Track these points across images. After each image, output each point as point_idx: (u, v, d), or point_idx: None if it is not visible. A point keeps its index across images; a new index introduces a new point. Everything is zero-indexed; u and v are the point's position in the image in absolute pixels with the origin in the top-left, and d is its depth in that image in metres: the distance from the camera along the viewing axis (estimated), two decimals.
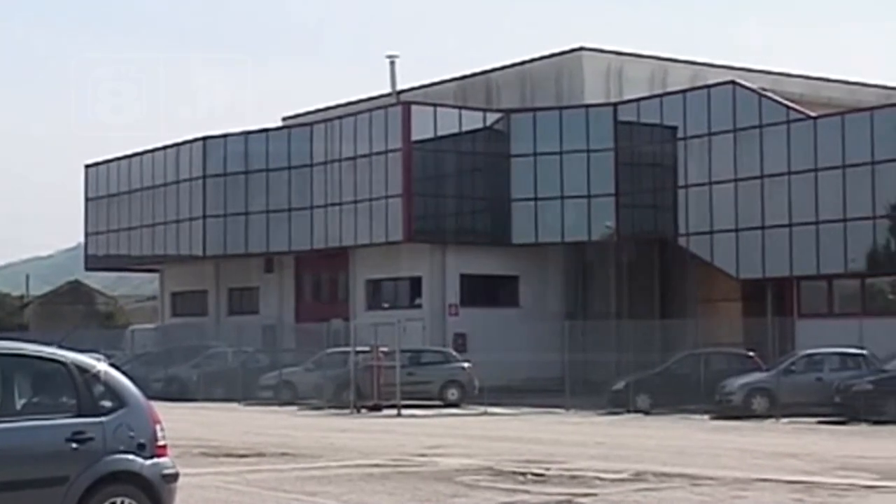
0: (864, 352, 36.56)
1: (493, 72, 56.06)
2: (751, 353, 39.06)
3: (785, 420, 33.90)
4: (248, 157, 55.03)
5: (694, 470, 20.44)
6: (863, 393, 33.80)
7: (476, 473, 20.07)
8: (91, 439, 11.41)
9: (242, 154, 55.19)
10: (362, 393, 38.97)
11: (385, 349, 39.20)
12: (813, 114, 45.41)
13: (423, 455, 23.35)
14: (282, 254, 55.31)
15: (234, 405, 42.16)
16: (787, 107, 45.84)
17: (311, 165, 53.22)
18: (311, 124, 55.25)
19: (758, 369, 37.66)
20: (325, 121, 54.81)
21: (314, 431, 30.54)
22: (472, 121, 51.19)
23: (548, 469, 20.56)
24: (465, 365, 42.26)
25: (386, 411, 37.87)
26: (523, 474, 19.88)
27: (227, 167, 55.57)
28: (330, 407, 39.86)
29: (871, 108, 45.09)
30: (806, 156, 44.33)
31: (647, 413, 37.08)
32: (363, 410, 38.24)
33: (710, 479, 19.32)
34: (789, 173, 44.73)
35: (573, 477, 19.61)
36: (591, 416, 36.74)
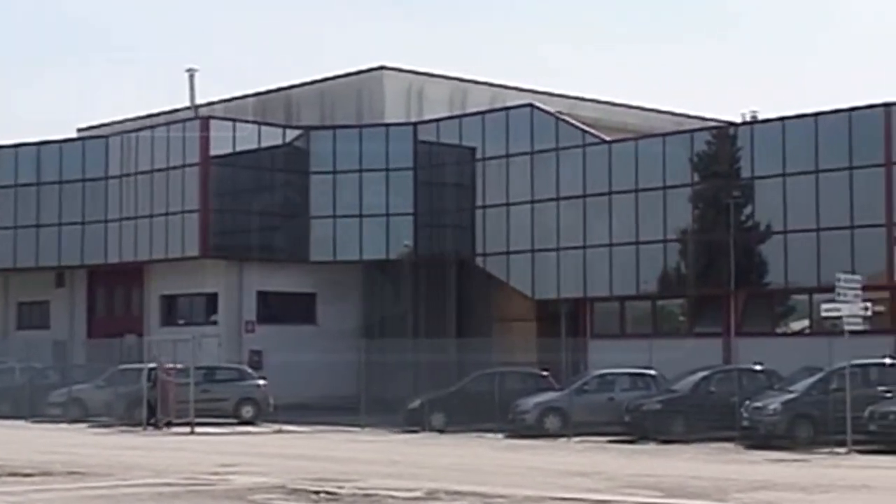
0: (653, 372, 37.39)
1: (294, 88, 55.80)
2: (545, 373, 39.62)
3: (577, 439, 34.39)
4: (41, 168, 53.71)
5: (486, 488, 20.58)
6: (652, 412, 34.58)
7: (269, 492, 19.89)
8: None
9: (34, 165, 53.82)
10: (155, 410, 38.35)
11: (178, 365, 38.66)
12: (608, 138, 46.32)
13: (215, 473, 23.05)
14: (74, 268, 54.07)
15: (21, 423, 41.04)
16: (583, 130, 46.68)
17: (107, 178, 52.20)
18: (107, 136, 54.20)
19: (551, 389, 38.22)
20: (121, 133, 53.85)
21: (104, 450, 29.90)
22: (272, 137, 50.87)
23: (341, 487, 20.47)
24: (261, 382, 41.92)
25: (179, 429, 37.30)
26: (317, 493, 19.76)
27: (18, 178, 54.11)
28: (121, 425, 39.13)
29: (664, 134, 46.20)
30: (601, 179, 45.18)
31: (442, 432, 37.24)
32: (157, 428, 37.60)
33: (502, 497, 19.47)
34: (584, 196, 45.53)
35: (367, 495, 19.56)
36: (386, 434, 36.76)
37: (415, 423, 38.17)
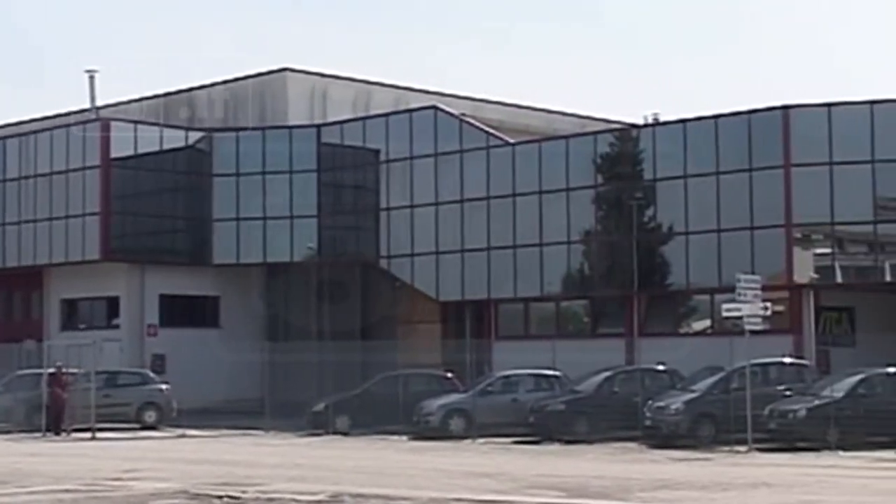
0: (557, 373, 37.57)
1: (196, 90, 55.33)
2: (449, 375, 39.66)
3: (481, 440, 34.47)
4: None
5: (390, 491, 20.55)
6: (556, 413, 34.77)
7: (171, 497, 19.70)
8: None
9: None
10: (55, 416, 37.82)
11: (76, 370, 38.19)
12: (511, 140, 46.48)
13: (117, 479, 22.79)
14: None
15: None
16: (487, 132, 46.79)
17: (5, 181, 51.42)
18: (4, 138, 53.35)
19: (455, 390, 38.28)
20: (19, 135, 53.02)
21: (3, 457, 29.42)
22: (174, 139, 50.39)
23: (244, 492, 20.33)
24: (164, 387, 41.50)
25: (80, 435, 36.82)
26: (219, 497, 19.61)
27: None
28: (20, 431, 38.50)
29: (567, 136, 46.42)
30: (504, 181, 45.31)
31: (346, 434, 37.15)
32: (56, 434, 37.10)
33: (406, 499, 19.45)
34: (488, 198, 45.64)
35: (270, 499, 19.45)
36: (290, 437, 36.58)
37: (319, 425, 38.03)
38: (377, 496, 19.75)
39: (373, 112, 51.06)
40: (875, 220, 38.74)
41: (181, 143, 50.51)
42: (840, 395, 31.42)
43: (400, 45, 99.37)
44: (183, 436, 37.49)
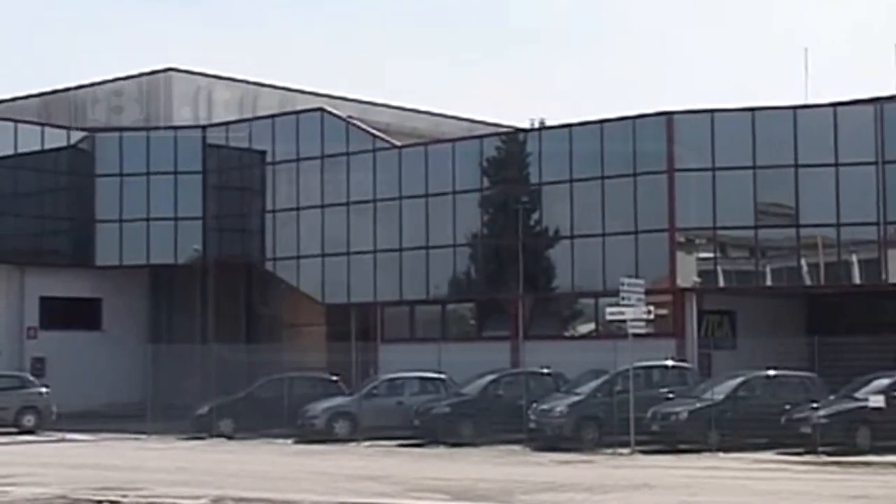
0: (443, 376, 37.62)
1: (79, 89, 54.57)
2: (334, 378, 39.53)
3: (367, 443, 34.41)
4: None
5: (274, 494, 20.43)
6: (441, 416, 34.80)
7: (49, 502, 19.37)
8: None
9: None
10: None
11: None
12: (398, 143, 46.45)
13: None
14: None
15: None
16: (374, 135, 46.72)
17: None
18: None
19: (341, 393, 38.18)
20: None
21: None
22: (56, 139, 49.55)
23: (125, 496, 20.08)
24: (43, 390, 40.78)
25: None
26: (99, 502, 19.33)
27: None
28: None
29: (454, 140, 46.50)
30: (391, 184, 45.27)
31: (230, 438, 36.87)
32: None
33: (290, 502, 19.34)
34: (375, 201, 45.56)
35: None
36: (173, 441, 36.21)
37: (203, 429, 37.69)
38: (260, 500, 19.63)
39: (259, 113, 50.76)
40: (756, 226, 39.31)
41: (63, 143, 49.71)
42: (721, 397, 31.88)
43: (286, 47, 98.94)
44: (63, 440, 36.91)
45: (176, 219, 49.04)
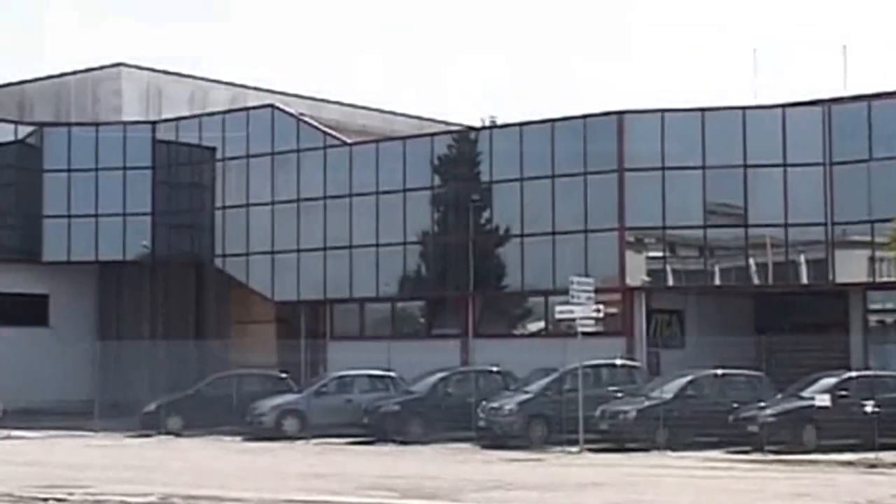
0: (392, 374, 37.62)
1: (27, 83, 54.14)
2: (283, 375, 39.45)
3: (315, 441, 34.36)
4: None
5: (222, 492, 20.37)
6: (390, 414, 34.79)
7: None
8: None
9: None
10: None
11: None
12: (349, 140, 46.38)
13: None
14: None
15: None
16: (324, 132, 46.62)
17: None
18: None
19: (290, 391, 38.11)
20: None
21: None
22: (3, 133, 49.00)
23: (71, 494, 19.95)
24: None
25: None
26: (45, 500, 19.22)
27: None
28: None
29: (405, 137, 46.46)
30: (342, 181, 45.17)
31: (178, 435, 36.74)
32: None
33: (238, 500, 19.30)
34: (325, 198, 45.46)
35: (98, 502, 19.14)
36: (121, 438, 36.03)
37: (151, 426, 37.55)
38: (208, 497, 19.56)
39: (209, 110, 50.52)
40: (705, 225, 39.51)
41: (11, 138, 49.28)
42: (669, 396, 32.05)
43: (238, 44, 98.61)
44: (8, 437, 36.60)
45: (125, 215, 48.73)
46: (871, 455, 27.72)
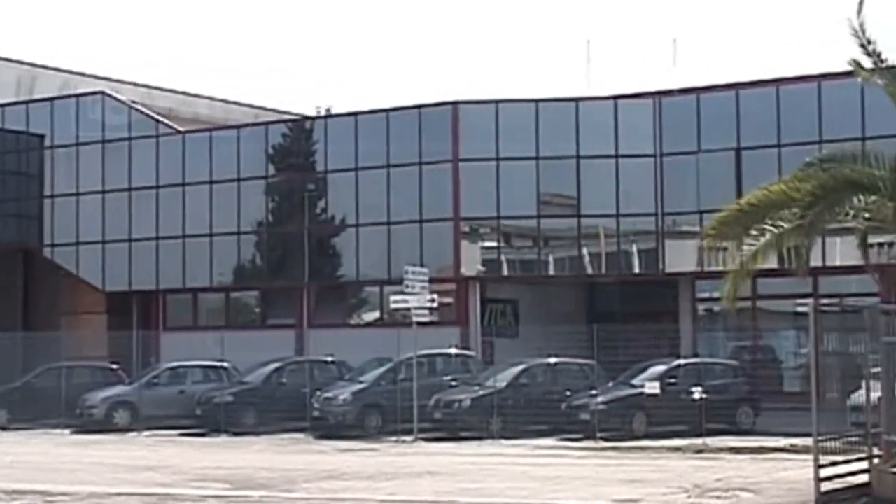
0: (226, 364, 37.25)
1: None
2: (114, 366, 38.84)
3: (147, 433, 33.92)
4: None
5: (49, 486, 19.94)
6: (223, 405, 34.48)
7: None
8: None
9: None
10: None
11: None
12: (181, 128, 45.80)
13: None
14: None
15: None
16: (157, 120, 45.97)
17: None
18: None
19: (121, 382, 37.57)
20: None
21: None
22: None
23: None
24: None
25: None
26: None
27: None
28: None
29: (239, 126, 46.04)
30: (174, 170, 44.59)
31: (5, 429, 36.02)
32: None
33: (65, 494, 18.91)
34: (157, 187, 44.83)
35: None
36: None
37: None
38: (34, 492, 19.13)
39: (37, 96, 49.42)
40: (539, 215, 39.88)
41: None
42: (503, 384, 32.29)
43: (67, 29, 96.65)
44: None
45: None
46: (698, 441, 28.30)
